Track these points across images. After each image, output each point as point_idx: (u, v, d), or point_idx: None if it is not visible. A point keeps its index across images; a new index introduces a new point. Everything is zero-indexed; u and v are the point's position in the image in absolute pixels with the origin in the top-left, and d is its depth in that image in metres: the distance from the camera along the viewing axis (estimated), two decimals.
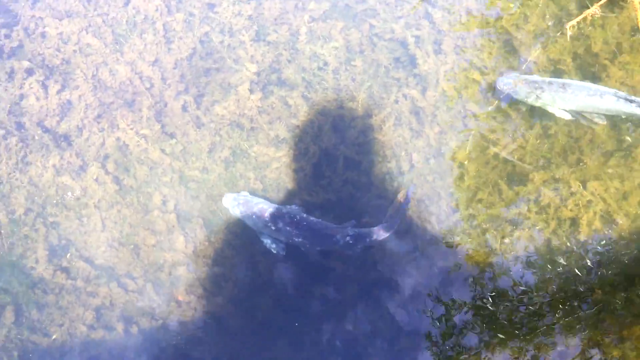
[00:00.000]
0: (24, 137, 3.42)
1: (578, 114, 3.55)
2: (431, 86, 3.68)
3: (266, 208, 3.25)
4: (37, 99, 3.48)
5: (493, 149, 3.52)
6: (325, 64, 3.71)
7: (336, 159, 3.50)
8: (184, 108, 3.56)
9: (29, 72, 3.56)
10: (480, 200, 3.45)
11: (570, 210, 3.35)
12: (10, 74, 3.55)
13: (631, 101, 3.45)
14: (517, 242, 3.35)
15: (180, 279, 3.24)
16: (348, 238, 3.23)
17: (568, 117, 3.52)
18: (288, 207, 3.31)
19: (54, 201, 3.31)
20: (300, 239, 3.24)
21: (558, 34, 3.72)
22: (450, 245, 3.36)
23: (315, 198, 3.40)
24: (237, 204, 3.27)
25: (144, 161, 3.43)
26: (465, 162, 3.53)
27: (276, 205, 3.30)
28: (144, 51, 3.67)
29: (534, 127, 3.57)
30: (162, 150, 3.44)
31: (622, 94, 3.48)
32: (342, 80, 3.68)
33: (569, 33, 3.61)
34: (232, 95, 3.61)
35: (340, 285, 3.30)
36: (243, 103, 3.59)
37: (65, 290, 3.20)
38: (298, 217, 3.25)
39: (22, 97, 3.50)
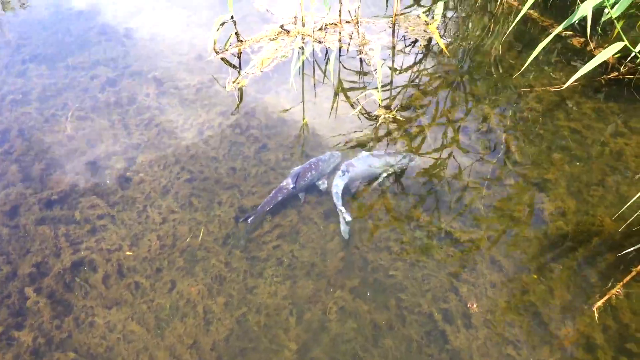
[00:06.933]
0: None
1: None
2: None
3: None
4: None
5: None
6: (363, 340, 3.79)
7: None
8: None
9: None
10: None
11: None
12: None
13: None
14: None
15: None
16: None
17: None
18: None
19: None
20: None
21: (585, 306, 3.81)
22: None
23: None
24: None
25: None
26: None
27: None
28: (183, 334, 3.83)
29: None
30: None
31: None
32: (376, 355, 3.72)
33: (596, 315, 3.69)
34: None
35: None
36: None
37: None
38: None
39: None
